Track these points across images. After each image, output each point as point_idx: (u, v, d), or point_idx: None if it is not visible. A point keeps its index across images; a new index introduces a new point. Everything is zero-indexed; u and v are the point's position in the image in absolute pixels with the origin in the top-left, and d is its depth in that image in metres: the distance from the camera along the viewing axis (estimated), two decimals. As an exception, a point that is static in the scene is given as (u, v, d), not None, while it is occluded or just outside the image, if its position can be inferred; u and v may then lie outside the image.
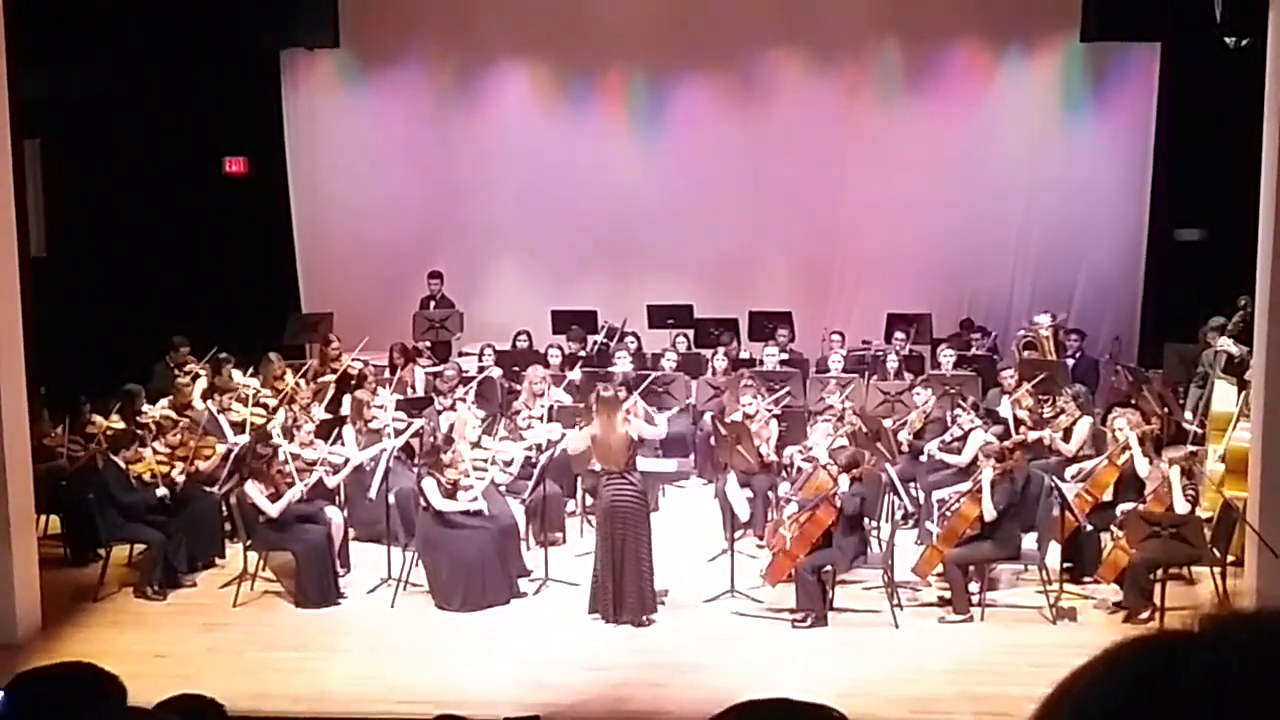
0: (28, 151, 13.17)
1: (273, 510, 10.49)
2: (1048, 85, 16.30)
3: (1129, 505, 10.61)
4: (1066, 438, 11.86)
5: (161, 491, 10.89)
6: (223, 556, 11.42)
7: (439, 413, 12.55)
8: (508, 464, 11.54)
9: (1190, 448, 11.33)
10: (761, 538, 11.21)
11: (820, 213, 16.54)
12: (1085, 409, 12.20)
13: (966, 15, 16.27)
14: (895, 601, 10.13)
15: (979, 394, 12.99)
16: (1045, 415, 12.33)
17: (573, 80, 16.70)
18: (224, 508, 11.41)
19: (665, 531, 11.06)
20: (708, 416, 13.08)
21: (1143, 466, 10.71)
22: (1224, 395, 11.88)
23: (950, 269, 16.27)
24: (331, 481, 11.24)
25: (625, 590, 9.95)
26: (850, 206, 16.45)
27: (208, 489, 11.47)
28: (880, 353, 14.41)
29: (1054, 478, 10.61)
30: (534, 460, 11.49)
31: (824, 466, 10.51)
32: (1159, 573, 9.84)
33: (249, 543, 10.73)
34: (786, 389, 12.83)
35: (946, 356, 13.61)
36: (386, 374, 13.90)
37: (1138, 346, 15.74)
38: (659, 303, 15.38)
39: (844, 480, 10.08)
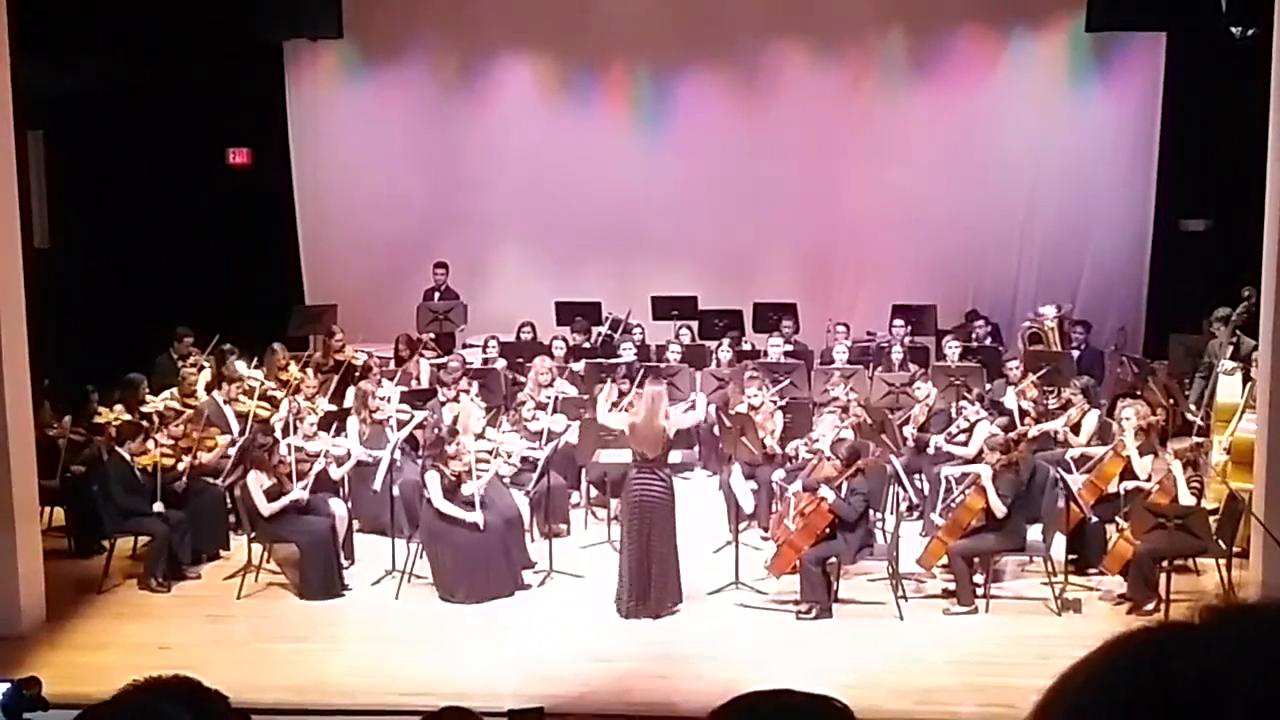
0: (31, 143, 13.18)
1: (266, 510, 10.47)
2: (1053, 74, 16.27)
3: (1131, 484, 10.62)
4: (1075, 430, 11.84)
5: (159, 507, 10.80)
6: (227, 548, 11.43)
7: (443, 404, 12.54)
8: (510, 456, 11.53)
9: (1195, 439, 11.33)
10: (766, 529, 11.21)
11: (825, 204, 16.53)
12: (1091, 400, 12.19)
13: (970, 3, 16.25)
14: (900, 593, 10.12)
15: (983, 385, 12.97)
16: (1050, 407, 12.32)
17: (576, 72, 16.69)
18: (228, 500, 11.41)
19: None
20: (712, 408, 13.06)
21: (1140, 464, 10.69)
22: (1228, 387, 11.87)
23: (955, 260, 16.25)
24: (336, 473, 11.24)
25: (650, 585, 9.93)
26: (854, 197, 16.43)
27: (212, 481, 11.47)
28: (885, 344, 14.40)
29: (1059, 469, 10.59)
30: (538, 453, 11.48)
31: (827, 458, 10.50)
32: (1164, 564, 9.83)
33: (253, 534, 10.74)
34: (787, 380, 12.81)
35: (952, 348, 13.58)
36: (392, 365, 13.91)
37: (1143, 337, 15.72)
38: (663, 294, 15.37)
39: (842, 486, 10.03)
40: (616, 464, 10.91)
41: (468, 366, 13.49)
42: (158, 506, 10.77)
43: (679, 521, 10.28)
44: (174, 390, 12.81)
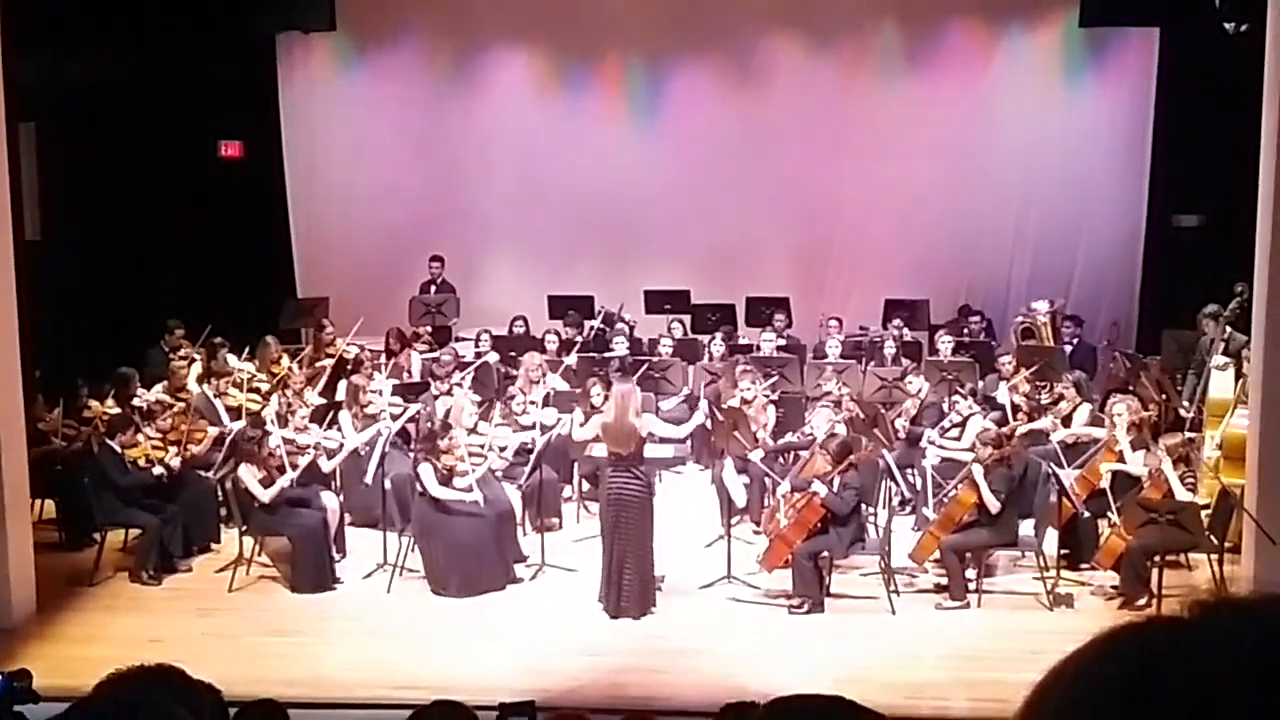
0: (22, 135, 13.12)
1: (264, 496, 10.48)
2: (1046, 69, 16.26)
3: (1115, 466, 10.63)
4: (1066, 423, 11.85)
5: (158, 470, 10.90)
6: (218, 541, 11.42)
7: (435, 398, 12.54)
8: (503, 450, 11.53)
9: (1187, 434, 11.33)
10: (758, 523, 11.21)
11: (818, 198, 16.53)
12: (1084, 395, 12.21)
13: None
14: (892, 587, 10.13)
15: (976, 380, 12.99)
16: (1043, 402, 12.34)
17: (570, 65, 16.67)
18: (219, 492, 11.40)
19: (662, 517, 11.04)
20: (704, 402, 13.05)
21: (1132, 459, 10.70)
22: (1221, 382, 11.88)
23: (948, 254, 16.26)
24: (327, 466, 11.24)
25: (625, 584, 9.92)
26: (848, 191, 16.43)
27: (203, 473, 11.46)
28: (878, 338, 14.41)
29: (1051, 464, 10.60)
30: (530, 445, 11.47)
31: (820, 449, 10.50)
32: (1156, 559, 9.84)
33: (244, 527, 10.73)
34: (782, 375, 12.82)
35: (944, 343, 13.60)
36: (383, 359, 13.90)
37: (1136, 333, 15.73)
38: (656, 288, 15.36)
39: (835, 481, 10.03)
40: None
41: (460, 360, 13.48)
42: (158, 470, 10.85)
43: (670, 517, 10.27)
44: (165, 383, 12.80)
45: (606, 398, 10.56)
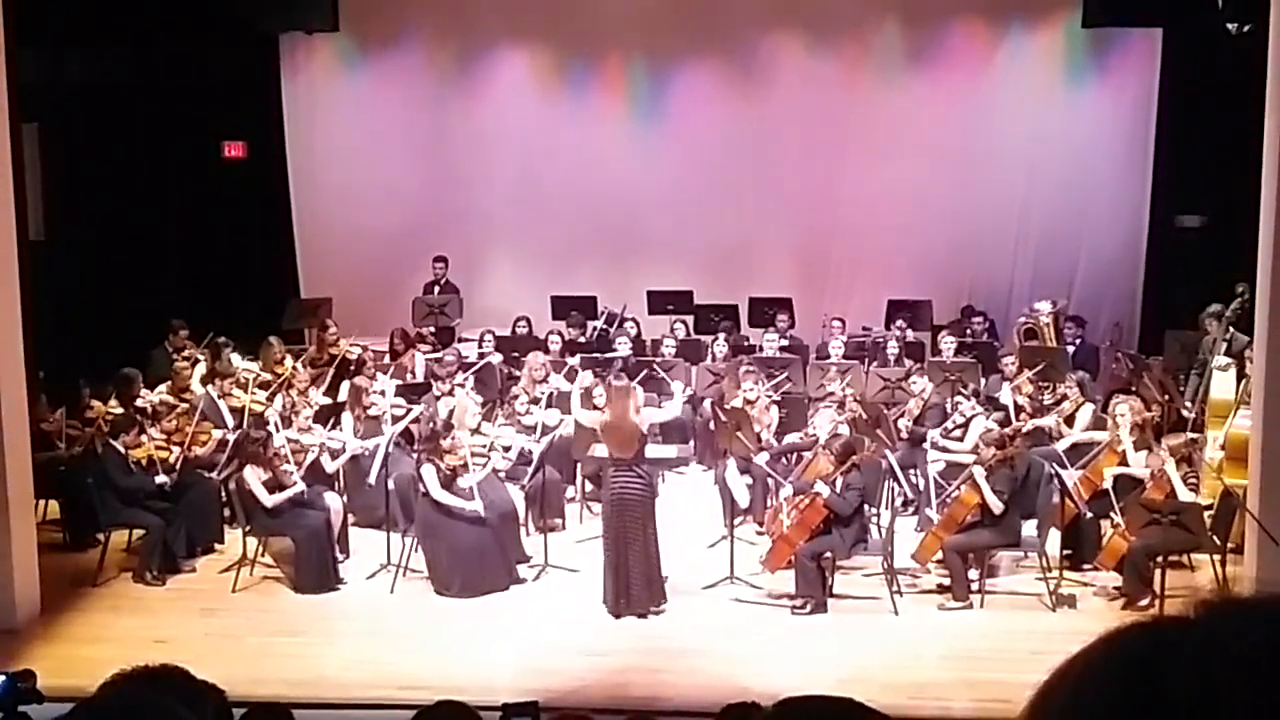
0: (25, 136, 13.14)
1: (268, 501, 10.48)
2: (1049, 69, 16.25)
3: (1118, 469, 10.63)
4: (1069, 423, 11.86)
5: (161, 479, 10.91)
6: (221, 542, 11.43)
7: (438, 399, 12.54)
8: (506, 450, 11.53)
9: (1190, 435, 11.34)
10: (761, 524, 11.21)
11: (821, 198, 16.51)
12: (1087, 396, 12.21)
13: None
14: (895, 588, 10.13)
15: (979, 381, 12.99)
16: (1046, 402, 12.34)
17: (572, 65, 16.67)
18: (223, 493, 11.41)
19: (665, 518, 11.05)
20: (707, 403, 13.07)
21: (1135, 459, 10.70)
22: (1223, 383, 11.88)
23: (950, 255, 16.24)
24: (330, 467, 11.25)
25: (631, 583, 9.93)
26: (850, 192, 16.42)
27: (207, 474, 11.46)
28: (880, 339, 14.41)
29: (1054, 465, 10.60)
30: (532, 447, 11.47)
31: (823, 449, 10.50)
32: (1159, 559, 9.84)
33: (248, 528, 10.73)
34: (785, 375, 12.83)
35: (947, 343, 13.60)
36: (387, 359, 13.90)
37: (1138, 333, 15.71)
38: (659, 288, 15.36)
39: (838, 482, 10.03)
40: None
41: (463, 360, 13.49)
42: (161, 479, 10.85)
43: (673, 517, 10.25)
44: (168, 384, 12.81)
45: (609, 399, 10.55)
